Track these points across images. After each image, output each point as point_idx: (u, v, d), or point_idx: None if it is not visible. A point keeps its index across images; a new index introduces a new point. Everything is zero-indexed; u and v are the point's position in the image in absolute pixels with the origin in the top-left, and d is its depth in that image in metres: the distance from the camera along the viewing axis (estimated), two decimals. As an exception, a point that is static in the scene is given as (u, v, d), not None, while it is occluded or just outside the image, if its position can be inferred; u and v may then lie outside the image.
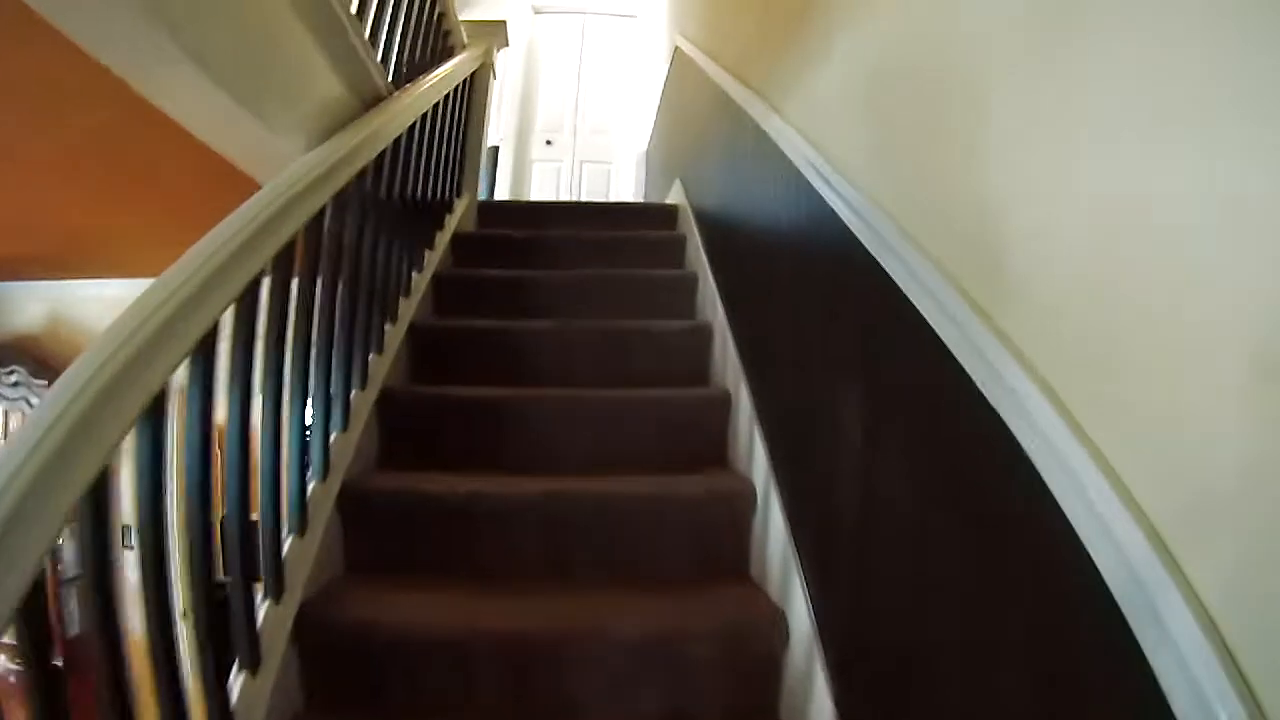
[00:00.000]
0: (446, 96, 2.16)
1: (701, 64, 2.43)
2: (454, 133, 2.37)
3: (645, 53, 4.71)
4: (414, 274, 1.95)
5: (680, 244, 2.41)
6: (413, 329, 1.83)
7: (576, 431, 1.57)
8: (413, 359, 1.84)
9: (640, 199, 4.49)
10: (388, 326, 1.71)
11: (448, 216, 2.32)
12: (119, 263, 2.79)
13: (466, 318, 1.98)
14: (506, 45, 2.93)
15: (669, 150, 3.38)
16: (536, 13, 4.88)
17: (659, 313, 2.03)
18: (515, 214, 2.67)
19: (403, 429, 1.59)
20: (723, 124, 2.03)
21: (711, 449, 1.59)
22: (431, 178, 2.10)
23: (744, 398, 1.53)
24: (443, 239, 2.21)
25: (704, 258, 2.14)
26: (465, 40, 2.59)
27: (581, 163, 4.72)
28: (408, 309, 1.84)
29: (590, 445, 1.55)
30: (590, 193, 4.73)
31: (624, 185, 4.73)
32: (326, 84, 1.44)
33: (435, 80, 1.97)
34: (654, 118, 4.05)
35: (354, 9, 1.54)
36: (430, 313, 2.04)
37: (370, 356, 1.55)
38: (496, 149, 4.56)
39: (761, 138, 1.49)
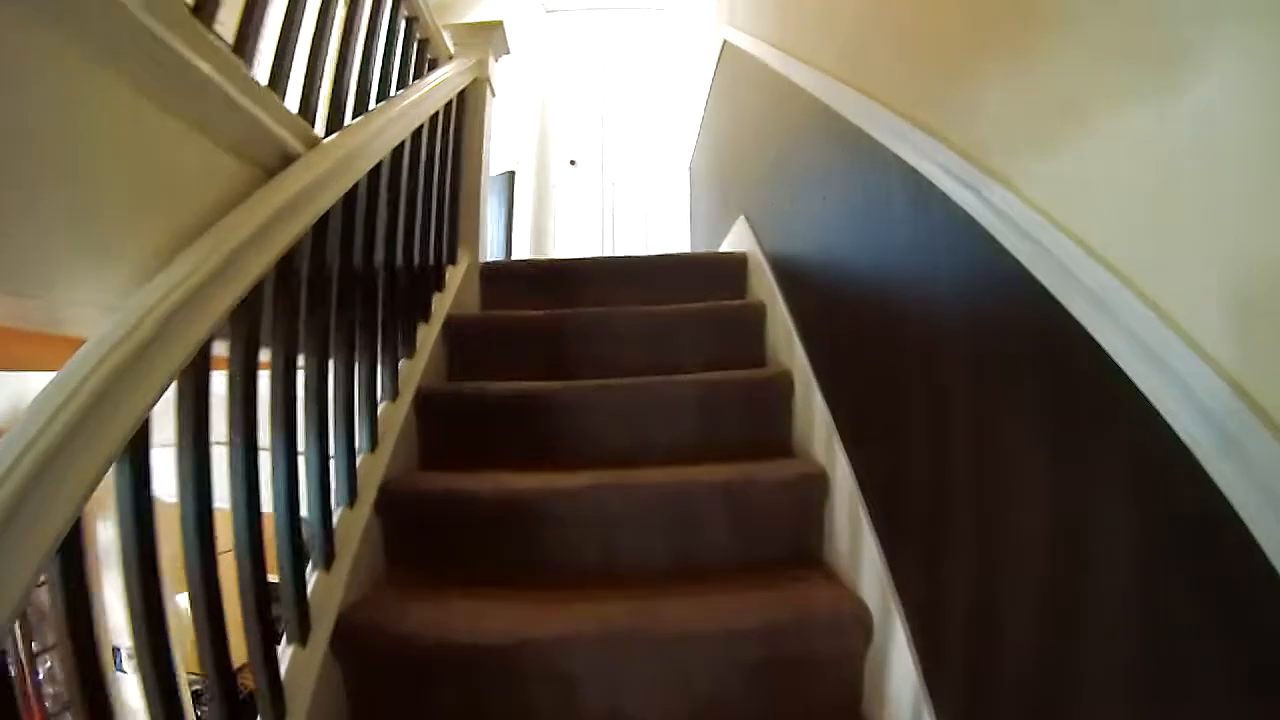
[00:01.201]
0: (420, 130, 1.56)
1: (774, 64, 1.78)
2: (438, 176, 1.78)
3: (680, 50, 4.06)
4: (380, 405, 1.34)
5: (757, 319, 1.76)
6: (388, 501, 1.23)
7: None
8: (394, 548, 1.24)
9: (685, 222, 3.84)
10: (339, 513, 1.11)
11: (436, 298, 1.71)
12: None
13: (469, 473, 1.36)
14: (507, 52, 2.32)
15: (724, 175, 2.72)
16: (548, 12, 4.28)
17: (736, 444, 1.39)
18: (531, 280, 2.04)
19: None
20: (826, 153, 1.38)
21: None
22: (405, 251, 1.51)
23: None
24: (428, 336, 1.60)
25: (800, 351, 1.48)
26: (451, 49, 1.99)
27: (613, 184, 4.10)
28: (373, 469, 1.24)
29: None
30: (625, 218, 4.10)
31: (664, 207, 4.09)
32: (188, 157, 0.84)
33: (400, 111, 1.37)
34: (699, 128, 3.41)
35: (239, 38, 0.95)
36: (414, 464, 1.44)
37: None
38: (512, 175, 3.98)
39: (924, 193, 0.84)
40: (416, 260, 1.59)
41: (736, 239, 2.30)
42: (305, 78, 1.15)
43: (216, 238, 0.80)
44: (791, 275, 1.67)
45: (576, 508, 1.22)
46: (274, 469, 0.98)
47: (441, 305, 1.73)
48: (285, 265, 0.97)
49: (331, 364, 1.18)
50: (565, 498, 1.22)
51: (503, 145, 4.08)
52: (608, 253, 4.04)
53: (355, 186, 1.20)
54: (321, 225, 1.08)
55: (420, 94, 1.55)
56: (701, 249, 3.48)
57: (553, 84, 4.20)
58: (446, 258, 1.87)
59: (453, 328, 1.72)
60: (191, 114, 0.83)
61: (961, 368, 0.84)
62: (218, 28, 0.89)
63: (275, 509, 0.98)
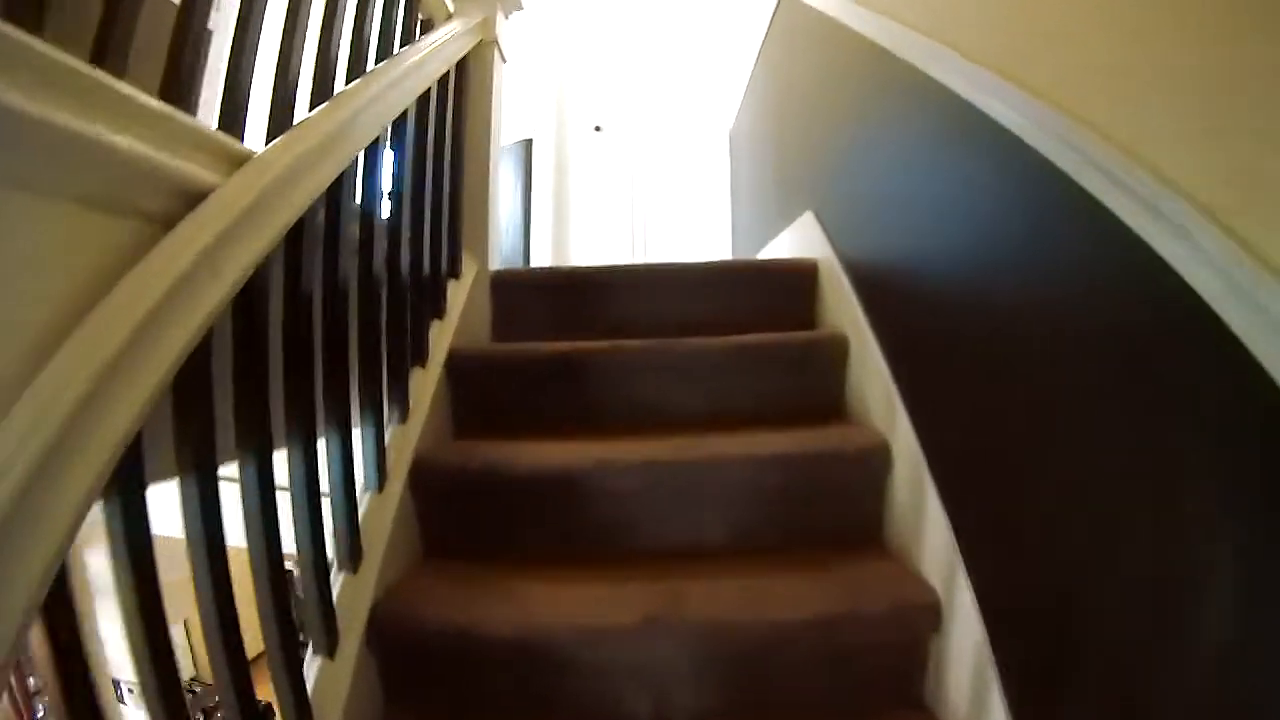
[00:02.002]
0: (405, 116, 1.22)
1: (863, 28, 1.40)
2: (432, 170, 1.44)
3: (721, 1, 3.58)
4: (367, 497, 1.04)
5: (836, 358, 1.41)
6: (377, 634, 0.94)
7: None
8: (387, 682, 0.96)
9: (726, 195, 3.44)
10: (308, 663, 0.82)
11: (435, 329, 1.38)
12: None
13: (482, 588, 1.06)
14: (519, 8, 1.93)
15: (781, 156, 2.32)
16: None
17: (820, 534, 1.08)
18: (553, 296, 1.69)
19: None
20: (951, 151, 1.02)
21: None
22: (390, 278, 1.18)
23: None
24: (425, 388, 1.28)
25: (902, 416, 1.14)
26: (450, 7, 1.62)
27: (642, 152, 3.68)
28: (358, 593, 0.94)
29: None
30: (656, 195, 3.69)
31: (701, 180, 3.68)
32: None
33: (373, 95, 1.02)
34: (743, 92, 2.98)
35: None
36: (416, 562, 1.14)
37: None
38: (529, 143, 3.58)
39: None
40: (407, 284, 1.26)
41: (801, 239, 1.92)
42: (229, 74, 0.80)
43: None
44: (888, 300, 1.30)
45: (624, 653, 0.92)
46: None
47: (442, 338, 1.40)
48: (192, 366, 0.64)
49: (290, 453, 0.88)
50: (615, 640, 0.91)
51: (518, 110, 3.67)
52: (636, 228, 3.66)
53: (319, 203, 0.86)
54: (255, 282, 0.75)
55: (404, 68, 1.19)
56: (745, 231, 3.10)
57: (575, 40, 3.75)
58: (447, 271, 1.53)
59: (458, 367, 1.39)
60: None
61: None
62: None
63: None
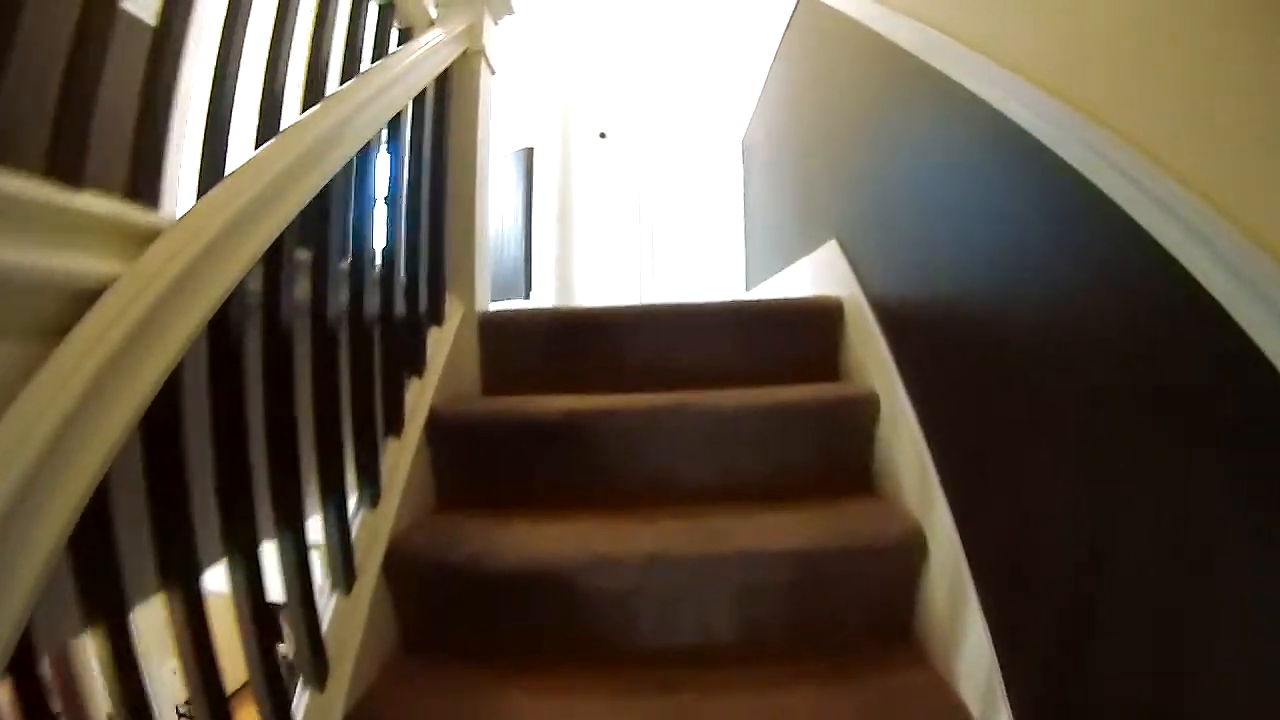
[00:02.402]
0: (369, 146, 1.08)
1: (897, 37, 1.25)
2: (407, 203, 1.30)
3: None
4: (331, 600, 0.90)
5: (864, 419, 1.28)
6: None
7: None
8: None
9: (738, 206, 3.29)
10: None
11: (412, 388, 1.25)
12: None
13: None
14: (510, 12, 1.79)
15: (799, 172, 2.17)
16: None
17: (844, 635, 0.95)
18: (551, 341, 1.54)
19: None
20: (1003, 182, 0.86)
21: None
22: (354, 336, 1.04)
23: None
24: (399, 460, 1.14)
25: (935, 483, 1.00)
26: (433, 13, 1.49)
27: (649, 159, 3.53)
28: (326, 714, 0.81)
29: None
30: (665, 204, 3.54)
31: (712, 189, 3.52)
32: None
33: (331, 129, 0.89)
34: (758, 97, 2.83)
35: None
36: (394, 661, 1.01)
37: None
38: (530, 152, 3.44)
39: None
40: (377, 339, 1.12)
41: (824, 271, 1.77)
42: (138, 122, 0.66)
43: None
44: (924, 350, 1.15)
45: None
46: None
47: (422, 399, 1.26)
48: (88, 518, 0.51)
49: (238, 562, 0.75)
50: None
51: (518, 116, 3.53)
52: (644, 240, 3.52)
53: (261, 264, 0.72)
54: (177, 376, 0.61)
55: (374, 88, 1.04)
56: (760, 251, 2.94)
57: (578, 42, 3.59)
58: (428, 318, 1.38)
59: (441, 431, 1.25)
60: None
61: None
62: None
63: None
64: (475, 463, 1.26)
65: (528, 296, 3.49)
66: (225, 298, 0.67)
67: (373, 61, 1.27)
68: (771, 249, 2.72)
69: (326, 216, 0.95)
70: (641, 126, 3.56)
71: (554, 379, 1.47)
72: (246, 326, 0.75)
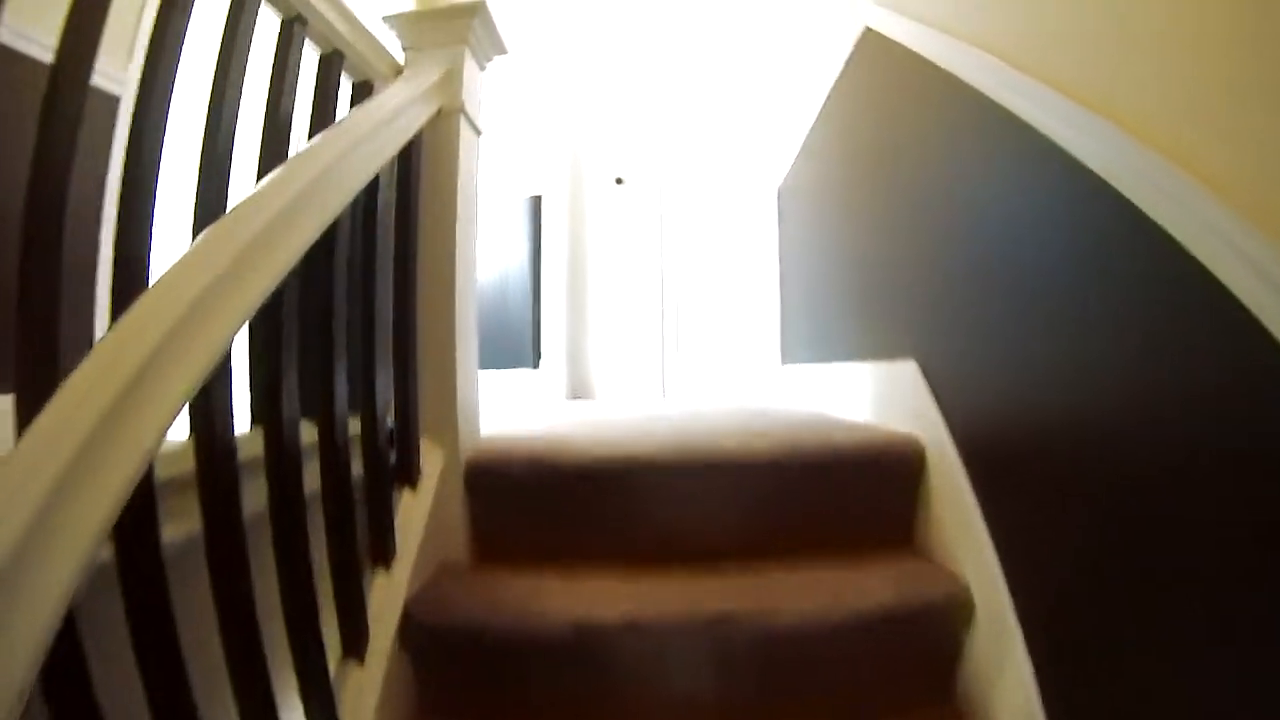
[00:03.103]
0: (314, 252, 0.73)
1: (1020, 107, 0.84)
2: (363, 329, 0.97)
3: (766, 23, 3.05)
4: None
5: (949, 630, 0.86)
6: None
7: None
8: None
9: (774, 274, 2.90)
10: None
11: (378, 583, 0.92)
12: None
13: None
14: (503, 52, 1.46)
15: (866, 261, 1.76)
16: None
17: None
18: (554, 503, 1.17)
19: None
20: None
21: None
22: (301, 516, 0.68)
23: None
24: (364, 692, 0.80)
25: None
26: (402, 59, 1.18)
27: (671, 207, 3.16)
28: None
29: None
30: (687, 258, 3.16)
31: (740, 243, 3.14)
32: None
33: (247, 245, 0.58)
34: (803, 149, 2.45)
35: None
36: None
37: None
38: (538, 201, 3.10)
39: None
40: (321, 522, 0.76)
41: (895, 395, 1.37)
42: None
43: None
44: (1043, 539, 0.76)
45: None
46: None
47: (390, 597, 0.90)
48: None
49: None
50: None
51: (526, 162, 3.20)
52: (666, 299, 3.13)
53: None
54: None
55: (308, 180, 0.70)
56: (801, 325, 2.54)
57: (591, 75, 3.26)
58: (395, 478, 1.02)
59: (417, 643, 0.89)
60: None
61: None
62: None
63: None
64: (466, 686, 0.89)
65: (536, 365, 3.13)
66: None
67: (312, 135, 0.95)
68: (818, 329, 2.32)
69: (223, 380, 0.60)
70: (663, 171, 3.20)
71: (560, 545, 1.13)
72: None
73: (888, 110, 1.55)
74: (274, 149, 0.93)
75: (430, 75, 1.28)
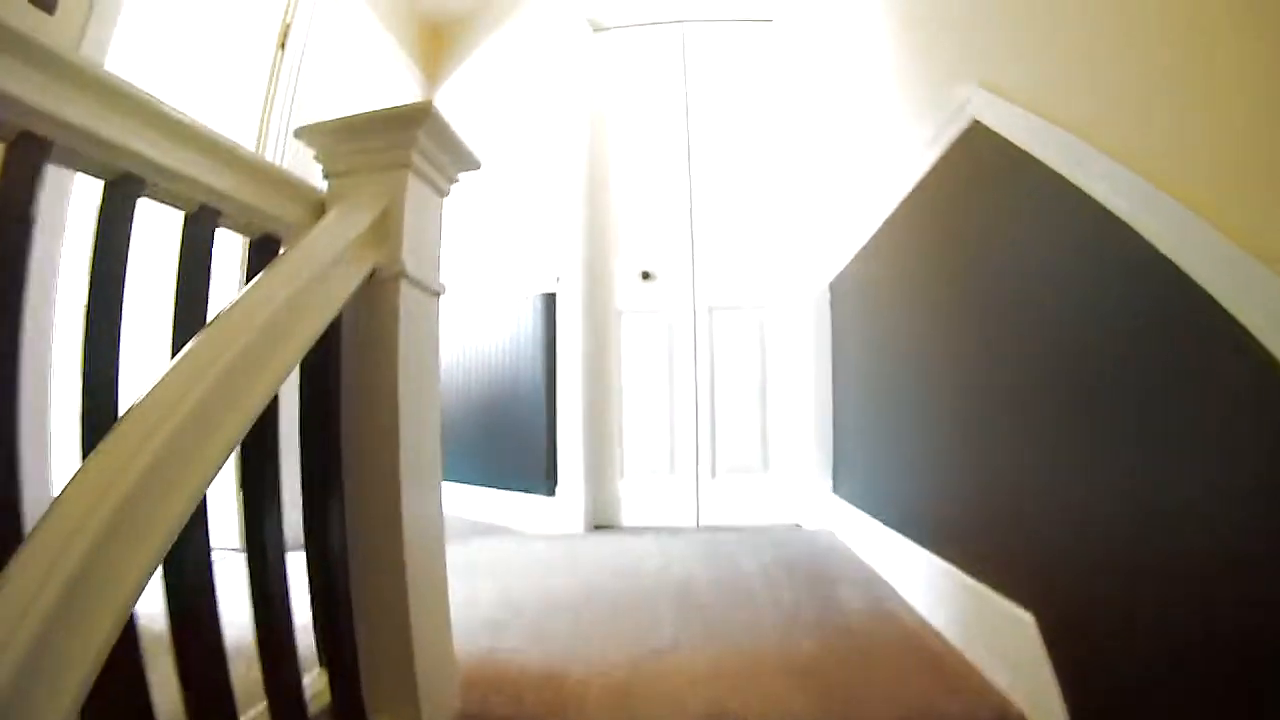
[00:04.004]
0: None
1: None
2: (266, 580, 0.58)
3: (804, 86, 2.70)
4: None
5: None
6: None
7: None
8: None
9: (822, 384, 2.47)
10: None
11: None
12: None
13: None
14: (472, 166, 1.06)
15: (956, 422, 1.29)
16: (596, 30, 3.04)
17: None
18: None
19: None
20: None
21: None
22: None
23: None
24: None
25: None
26: (324, 188, 0.80)
27: (711, 309, 2.76)
28: None
29: None
30: (726, 359, 2.74)
31: (784, 343, 2.71)
32: None
33: None
34: (869, 250, 2.04)
35: None
36: None
37: None
38: (552, 299, 2.72)
39: None
40: None
41: (992, 636, 0.90)
42: None
43: None
44: None
45: None
46: None
47: None
48: None
49: None
50: None
51: (538, 255, 2.85)
52: (699, 409, 2.70)
53: None
54: None
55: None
56: (855, 458, 2.07)
57: (610, 148, 2.92)
58: None
59: None
60: None
61: None
62: None
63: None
64: None
65: (551, 492, 2.70)
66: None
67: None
68: (877, 469, 1.86)
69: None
70: (696, 266, 2.80)
71: None
72: None
73: (1007, 235, 1.13)
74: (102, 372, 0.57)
75: (357, 220, 0.91)
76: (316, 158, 1.00)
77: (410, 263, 0.95)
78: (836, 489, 2.57)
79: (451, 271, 3.34)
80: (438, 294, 1.04)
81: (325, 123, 0.98)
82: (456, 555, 2.32)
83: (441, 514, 1.05)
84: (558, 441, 2.69)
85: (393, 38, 3.18)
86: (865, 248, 2.05)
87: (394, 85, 3.38)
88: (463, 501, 3.06)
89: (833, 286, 2.57)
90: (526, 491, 2.78)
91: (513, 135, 3.04)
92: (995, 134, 1.16)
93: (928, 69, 1.53)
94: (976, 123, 1.22)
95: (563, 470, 2.68)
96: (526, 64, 3.05)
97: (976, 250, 1.27)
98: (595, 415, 2.75)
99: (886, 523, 1.83)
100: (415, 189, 0.97)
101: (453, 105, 3.41)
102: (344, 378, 0.91)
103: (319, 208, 0.95)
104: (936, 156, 1.42)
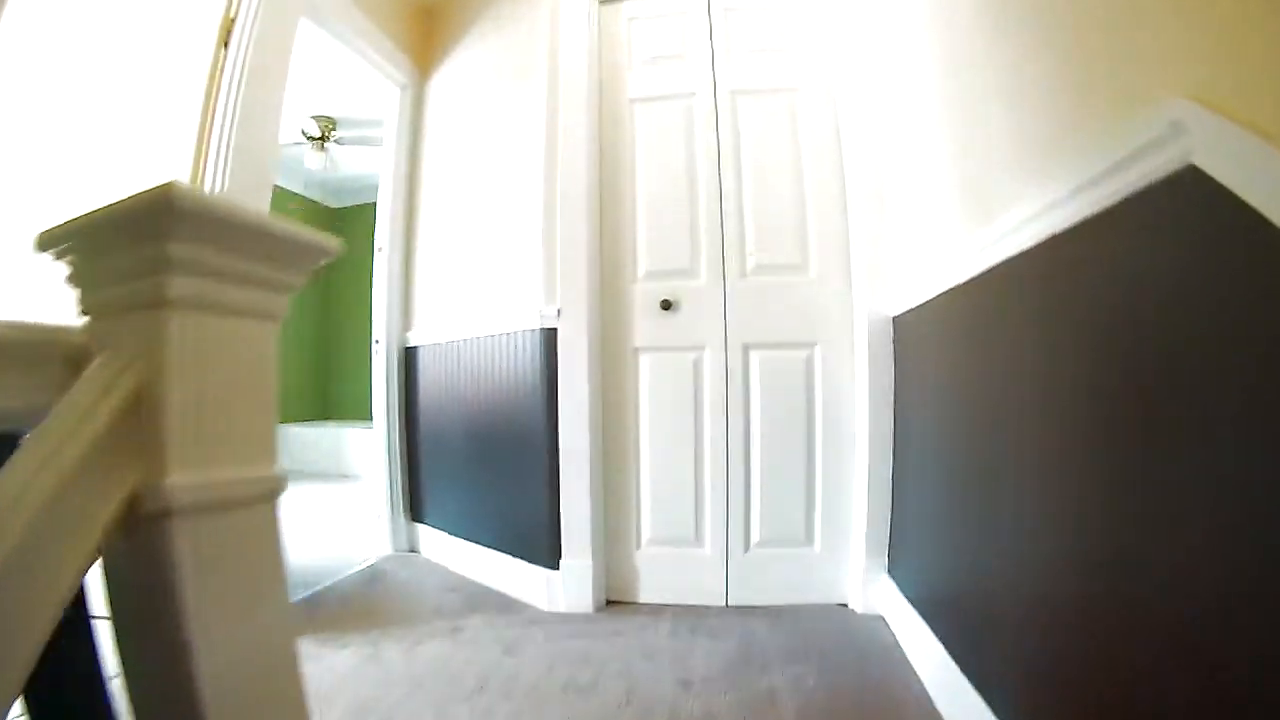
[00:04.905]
0: None
1: None
2: None
3: (866, 77, 2.22)
4: None
5: None
6: None
7: None
8: None
9: (878, 443, 2.03)
10: None
11: None
12: None
13: None
14: (318, 261, 0.61)
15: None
16: (604, 1, 2.57)
17: None
18: None
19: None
20: None
21: None
22: None
23: None
24: None
25: None
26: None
27: (746, 347, 2.31)
28: None
29: None
30: (767, 417, 2.31)
31: (843, 397, 2.25)
32: None
33: None
34: (962, 282, 1.56)
35: None
36: None
37: None
38: (552, 335, 2.30)
39: None
40: None
41: None
42: None
43: None
44: None
45: None
46: None
47: None
48: None
49: None
50: None
51: (531, 281, 2.43)
52: (730, 468, 2.28)
53: None
54: None
55: None
56: (923, 540, 1.61)
57: (624, 155, 2.47)
58: None
59: None
60: None
61: None
62: None
63: None
64: None
65: (555, 565, 2.31)
66: None
67: None
68: (943, 575, 1.38)
69: None
70: (729, 291, 2.35)
71: None
72: None
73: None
74: None
75: (93, 412, 0.49)
76: (68, 281, 0.60)
77: (187, 479, 0.54)
78: (892, 569, 2.12)
79: (428, 300, 2.95)
80: (271, 497, 0.63)
81: (65, 224, 0.58)
82: (429, 655, 2.06)
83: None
84: (561, 507, 2.29)
85: (373, 24, 2.76)
86: (959, 287, 1.58)
87: (377, 80, 2.97)
88: (461, 558, 2.70)
89: (899, 322, 2.09)
90: (527, 560, 2.39)
91: (509, 132, 2.60)
92: (1222, 189, 0.69)
93: (1080, 72, 1.04)
94: (1191, 169, 0.75)
95: (568, 540, 2.29)
96: (529, 47, 2.60)
97: (1166, 332, 0.80)
98: (609, 475, 2.34)
99: (944, 641, 1.38)
100: (192, 334, 0.55)
101: (448, 101, 2.98)
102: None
103: (75, 367, 0.55)
104: (1107, 205, 0.94)
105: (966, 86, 1.50)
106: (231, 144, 2.05)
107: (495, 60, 2.76)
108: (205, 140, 2.06)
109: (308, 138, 4.70)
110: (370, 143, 4.77)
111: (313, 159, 4.74)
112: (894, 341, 2.14)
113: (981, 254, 1.40)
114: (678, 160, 2.41)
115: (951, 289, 1.60)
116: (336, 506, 4.14)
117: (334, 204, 6.41)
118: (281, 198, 5.85)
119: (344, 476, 5.23)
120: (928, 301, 1.79)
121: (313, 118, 4.54)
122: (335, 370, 6.27)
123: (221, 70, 2.09)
